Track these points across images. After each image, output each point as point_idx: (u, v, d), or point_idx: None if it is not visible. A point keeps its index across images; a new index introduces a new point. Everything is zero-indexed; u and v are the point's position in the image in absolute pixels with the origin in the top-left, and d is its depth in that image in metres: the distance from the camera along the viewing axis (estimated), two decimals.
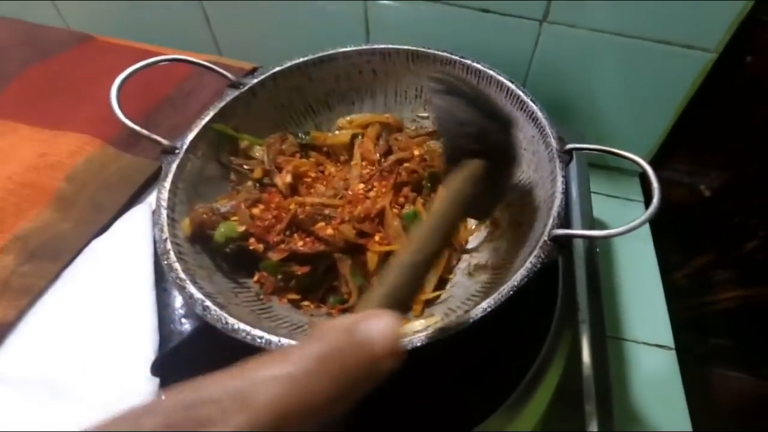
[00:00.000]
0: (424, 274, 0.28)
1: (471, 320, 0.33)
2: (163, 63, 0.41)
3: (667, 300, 0.61)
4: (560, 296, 0.48)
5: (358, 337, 0.19)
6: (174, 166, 0.39)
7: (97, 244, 0.45)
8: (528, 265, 0.34)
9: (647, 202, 0.35)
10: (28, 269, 0.41)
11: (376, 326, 0.19)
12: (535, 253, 0.35)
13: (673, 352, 0.57)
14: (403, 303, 0.26)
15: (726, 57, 0.54)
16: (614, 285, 0.62)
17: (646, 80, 0.60)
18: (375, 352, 0.19)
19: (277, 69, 0.46)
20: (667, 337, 0.58)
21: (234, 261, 0.41)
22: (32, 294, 0.41)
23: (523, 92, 0.44)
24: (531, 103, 0.43)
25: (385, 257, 0.41)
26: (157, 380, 0.39)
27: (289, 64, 0.47)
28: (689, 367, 0.56)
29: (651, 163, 0.36)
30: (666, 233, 0.67)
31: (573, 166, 0.59)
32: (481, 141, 0.34)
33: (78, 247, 0.44)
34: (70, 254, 0.44)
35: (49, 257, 0.42)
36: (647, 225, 0.66)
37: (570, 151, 0.40)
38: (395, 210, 0.43)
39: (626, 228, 0.33)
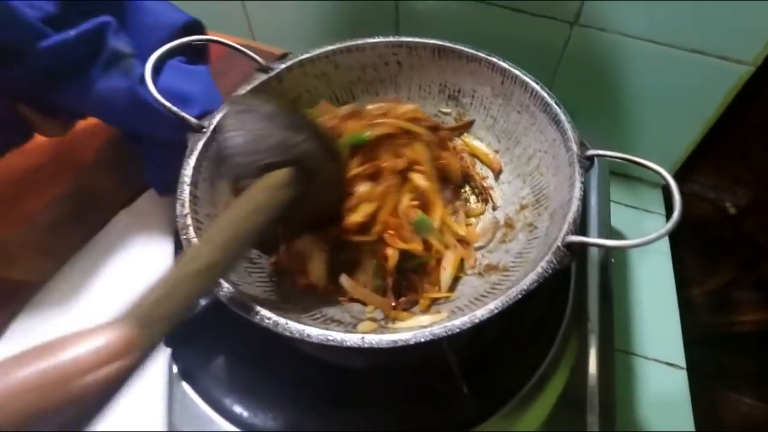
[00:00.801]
0: (195, 288, 0.26)
1: (477, 321, 0.33)
2: (196, 43, 0.43)
3: (682, 317, 0.61)
4: (570, 304, 0.48)
5: (57, 369, 0.19)
6: (200, 144, 0.41)
7: (123, 214, 0.47)
8: (539, 269, 0.34)
9: (668, 216, 0.35)
10: (57, 233, 0.43)
11: (80, 350, 0.20)
12: (547, 258, 0.35)
13: (684, 371, 0.57)
14: (167, 318, 0.24)
15: (763, 71, 0.54)
16: (628, 298, 0.62)
17: (676, 90, 0.60)
18: (75, 381, 0.19)
19: (305, 56, 0.48)
20: (678, 355, 0.58)
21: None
22: (58, 258, 0.43)
23: (548, 94, 0.44)
24: (555, 106, 0.43)
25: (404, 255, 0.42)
26: (168, 351, 0.41)
27: (317, 51, 0.48)
28: (699, 387, 0.56)
29: (675, 175, 0.36)
30: (686, 248, 0.67)
31: (594, 174, 0.59)
32: (287, 152, 0.34)
33: (105, 215, 0.46)
34: (97, 222, 0.46)
35: (77, 223, 0.44)
36: (666, 238, 0.66)
37: (591, 158, 0.40)
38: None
39: (643, 240, 0.33)
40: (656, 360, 0.57)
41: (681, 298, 0.62)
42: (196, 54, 0.48)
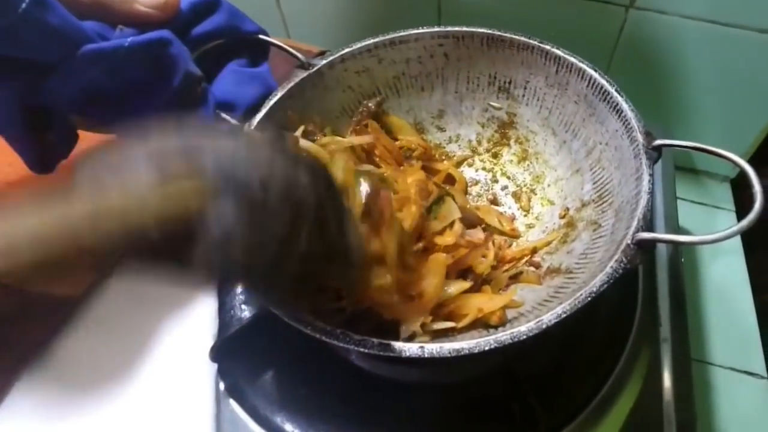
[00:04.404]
0: None
1: (544, 326, 0.33)
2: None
3: (761, 324, 0.59)
4: (639, 310, 0.47)
5: None
6: None
7: None
8: (608, 270, 0.34)
9: (739, 211, 0.34)
10: None
11: None
12: (616, 257, 0.34)
13: (765, 381, 0.55)
14: None
15: None
16: (699, 302, 0.60)
17: (743, 74, 0.59)
18: None
19: (346, 50, 0.48)
20: (758, 363, 0.56)
21: None
22: (100, 271, 0.45)
23: (608, 82, 0.44)
24: (616, 94, 0.43)
25: None
26: (215, 366, 0.42)
27: (358, 45, 0.49)
28: None
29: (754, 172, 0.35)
30: (760, 249, 0.65)
31: (657, 167, 0.58)
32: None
33: None
34: None
35: None
36: (738, 238, 0.65)
37: (659, 148, 0.40)
38: None
39: (721, 235, 0.33)
40: (733, 369, 0.56)
41: (758, 303, 0.60)
42: (255, 56, 0.49)
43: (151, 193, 0.24)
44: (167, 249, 0.24)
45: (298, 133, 0.45)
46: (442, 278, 0.39)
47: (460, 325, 0.39)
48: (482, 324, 0.39)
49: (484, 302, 0.39)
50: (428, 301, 0.38)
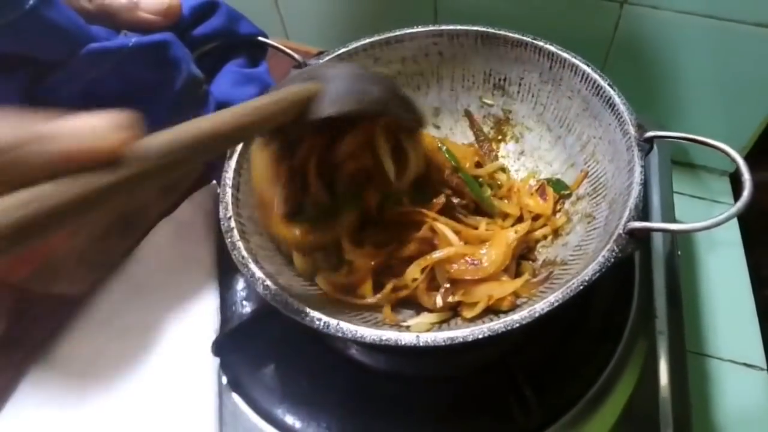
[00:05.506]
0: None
1: (536, 315, 0.33)
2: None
3: (760, 318, 0.59)
4: (635, 302, 0.48)
5: None
6: (239, 146, 0.43)
7: (163, 224, 0.49)
8: (600, 259, 0.35)
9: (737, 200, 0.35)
10: (100, 246, 0.45)
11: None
12: (608, 247, 0.35)
13: (765, 372, 0.56)
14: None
15: None
16: (698, 295, 0.61)
17: (739, 68, 0.59)
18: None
19: (343, 50, 0.49)
20: (757, 355, 0.57)
21: None
22: (102, 270, 0.46)
23: (600, 76, 0.45)
24: (608, 88, 0.44)
25: None
26: (217, 360, 0.43)
27: (354, 45, 0.50)
28: None
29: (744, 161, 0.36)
30: (760, 243, 0.65)
31: (654, 161, 0.59)
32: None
33: (146, 226, 0.49)
34: (138, 233, 0.49)
35: (119, 235, 0.47)
36: (737, 232, 0.65)
37: (650, 140, 0.41)
38: None
39: (711, 222, 0.33)
40: (732, 361, 0.56)
41: (758, 297, 0.61)
42: (254, 56, 0.50)
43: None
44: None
45: None
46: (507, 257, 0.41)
47: (471, 314, 0.39)
48: (493, 311, 0.40)
49: (494, 288, 0.40)
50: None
